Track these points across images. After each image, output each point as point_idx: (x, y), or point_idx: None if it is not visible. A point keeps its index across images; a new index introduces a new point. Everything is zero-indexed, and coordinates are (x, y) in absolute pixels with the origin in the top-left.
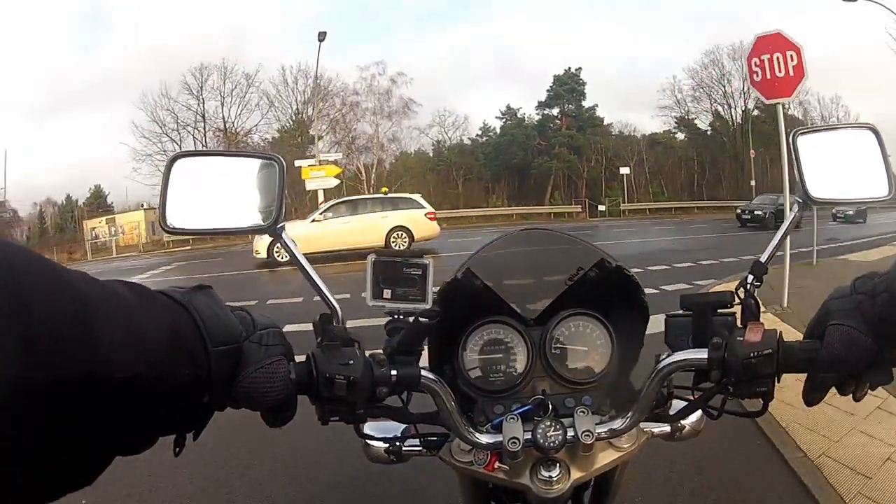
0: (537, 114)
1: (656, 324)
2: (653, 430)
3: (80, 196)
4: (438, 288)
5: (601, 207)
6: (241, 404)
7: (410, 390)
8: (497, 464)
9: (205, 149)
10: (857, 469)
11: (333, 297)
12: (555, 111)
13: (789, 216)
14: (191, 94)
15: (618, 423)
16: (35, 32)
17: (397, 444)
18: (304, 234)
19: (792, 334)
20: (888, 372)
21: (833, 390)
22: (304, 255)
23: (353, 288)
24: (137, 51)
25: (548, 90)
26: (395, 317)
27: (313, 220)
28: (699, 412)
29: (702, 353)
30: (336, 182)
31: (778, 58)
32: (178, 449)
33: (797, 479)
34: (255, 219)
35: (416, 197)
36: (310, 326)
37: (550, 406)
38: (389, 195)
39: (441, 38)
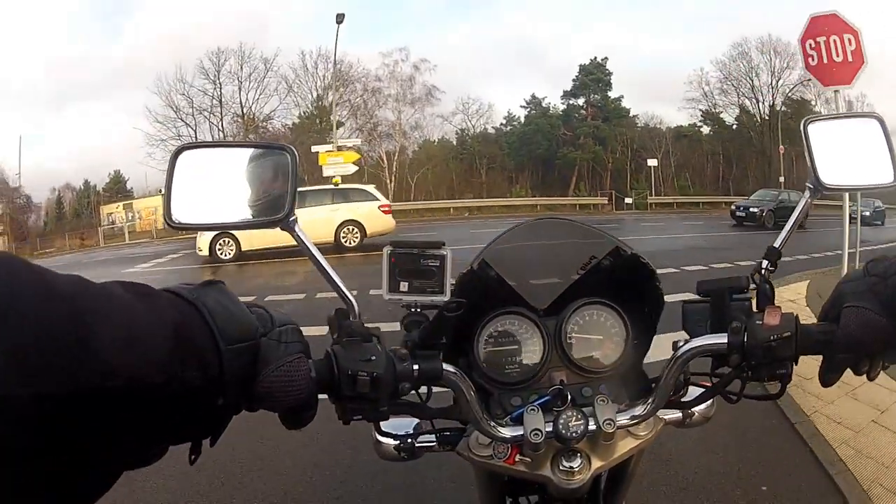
0: (562, 103)
1: None
2: (665, 416)
3: (99, 182)
4: (455, 279)
5: (628, 200)
6: (261, 405)
7: (432, 385)
8: (518, 456)
9: (211, 140)
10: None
11: (350, 291)
12: (580, 101)
13: (801, 202)
14: (207, 79)
15: (638, 410)
16: (53, 20)
17: (409, 440)
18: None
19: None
20: None
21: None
22: (243, 252)
23: (307, 287)
24: (156, 37)
25: (573, 80)
26: (413, 310)
27: None
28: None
29: (721, 338)
30: (355, 168)
31: (835, 41)
32: (193, 456)
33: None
34: (265, 212)
35: (370, 188)
36: (310, 326)
37: (569, 396)
38: (341, 186)
39: (466, 26)
